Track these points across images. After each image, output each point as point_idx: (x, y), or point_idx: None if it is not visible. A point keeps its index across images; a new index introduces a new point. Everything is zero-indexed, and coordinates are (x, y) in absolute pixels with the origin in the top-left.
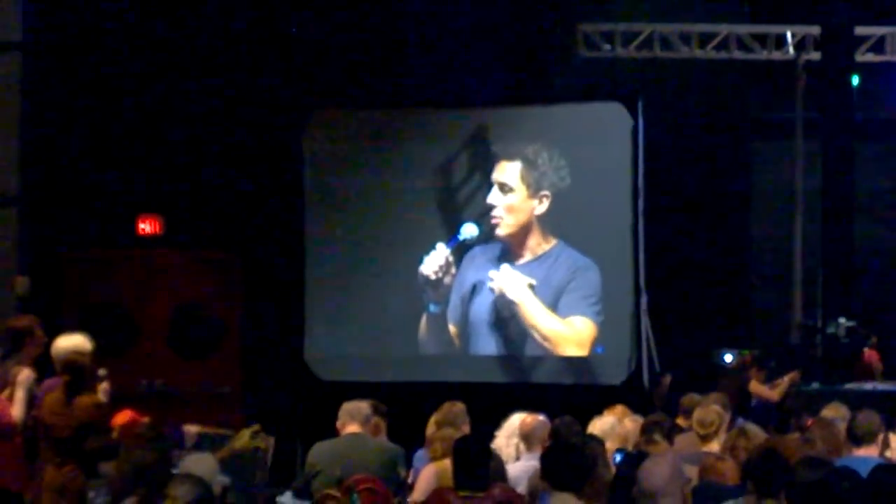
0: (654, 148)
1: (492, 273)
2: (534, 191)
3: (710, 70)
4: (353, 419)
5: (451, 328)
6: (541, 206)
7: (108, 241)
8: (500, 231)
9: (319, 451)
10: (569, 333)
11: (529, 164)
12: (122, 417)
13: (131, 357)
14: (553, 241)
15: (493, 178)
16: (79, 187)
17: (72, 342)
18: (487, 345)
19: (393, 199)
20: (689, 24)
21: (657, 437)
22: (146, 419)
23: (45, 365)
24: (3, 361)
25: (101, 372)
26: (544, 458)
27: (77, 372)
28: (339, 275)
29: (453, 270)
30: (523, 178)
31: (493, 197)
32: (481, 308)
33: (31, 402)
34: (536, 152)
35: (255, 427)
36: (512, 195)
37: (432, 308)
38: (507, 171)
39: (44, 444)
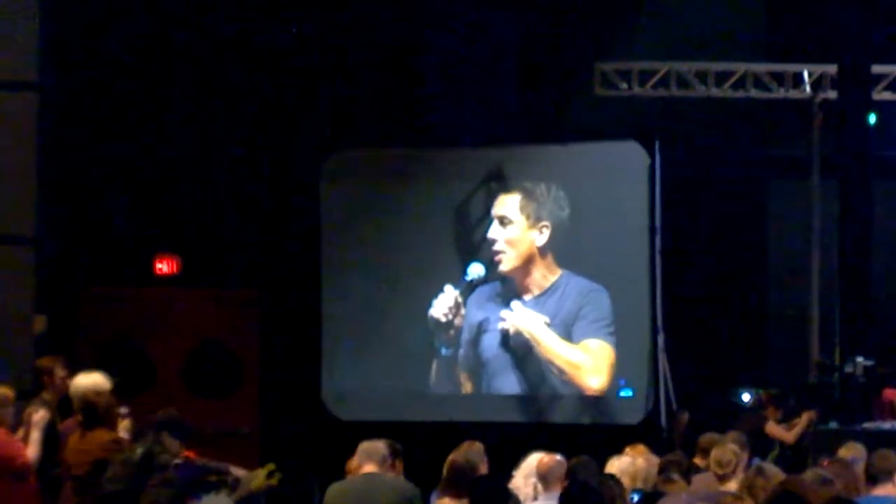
0: (670, 186)
1: (503, 313)
2: (533, 221)
3: (726, 108)
4: (370, 459)
5: (463, 369)
6: (541, 237)
7: (126, 280)
8: (504, 266)
9: (336, 491)
10: (585, 360)
11: (528, 195)
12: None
13: (148, 396)
14: (558, 272)
15: (493, 213)
16: (96, 227)
17: (90, 381)
18: (503, 384)
19: (410, 239)
20: (706, 62)
21: (675, 476)
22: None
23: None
24: (21, 401)
25: (123, 410)
26: (562, 498)
27: (90, 410)
28: (356, 314)
29: (463, 311)
30: (522, 209)
31: (494, 231)
32: (493, 347)
33: (55, 442)
34: (535, 184)
35: (271, 466)
36: (512, 227)
37: (444, 351)
38: (507, 204)
39: (67, 484)
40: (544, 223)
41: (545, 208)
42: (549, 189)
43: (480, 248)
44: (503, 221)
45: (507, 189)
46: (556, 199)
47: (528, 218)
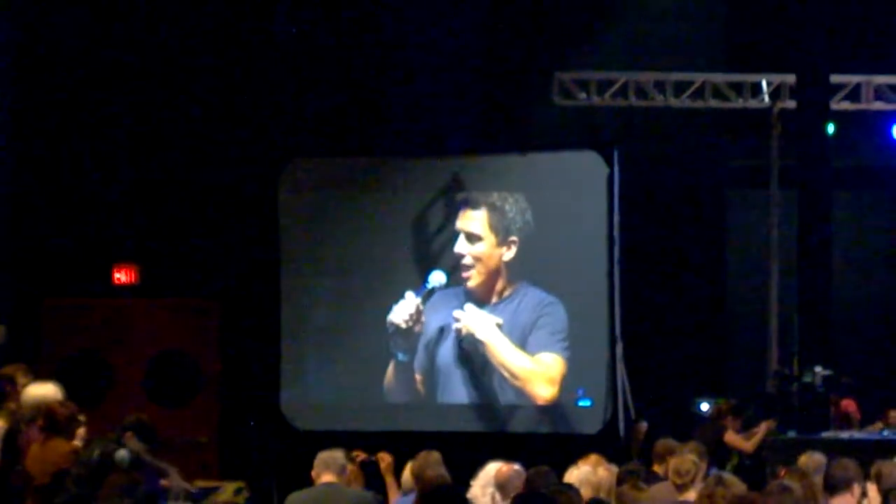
0: (629, 196)
1: (456, 313)
2: (502, 238)
3: (685, 118)
4: (329, 468)
5: (419, 376)
6: (509, 252)
7: (85, 290)
8: (470, 280)
9: (295, 501)
10: (538, 370)
11: (496, 212)
12: None
13: (108, 405)
14: (517, 282)
15: (458, 227)
16: (55, 236)
17: (42, 391)
18: (459, 393)
19: (369, 247)
20: (665, 72)
21: (642, 484)
22: None
23: None
24: None
25: (81, 417)
26: None
27: (50, 418)
28: (316, 324)
29: (423, 319)
30: (491, 227)
31: (460, 246)
32: (449, 354)
33: (16, 452)
34: (502, 198)
35: (239, 483)
36: (480, 244)
37: (401, 356)
38: (473, 220)
39: (28, 495)
40: (513, 238)
41: (515, 223)
42: (517, 201)
43: (441, 257)
44: (470, 238)
45: (473, 204)
46: (522, 212)
47: (496, 235)
